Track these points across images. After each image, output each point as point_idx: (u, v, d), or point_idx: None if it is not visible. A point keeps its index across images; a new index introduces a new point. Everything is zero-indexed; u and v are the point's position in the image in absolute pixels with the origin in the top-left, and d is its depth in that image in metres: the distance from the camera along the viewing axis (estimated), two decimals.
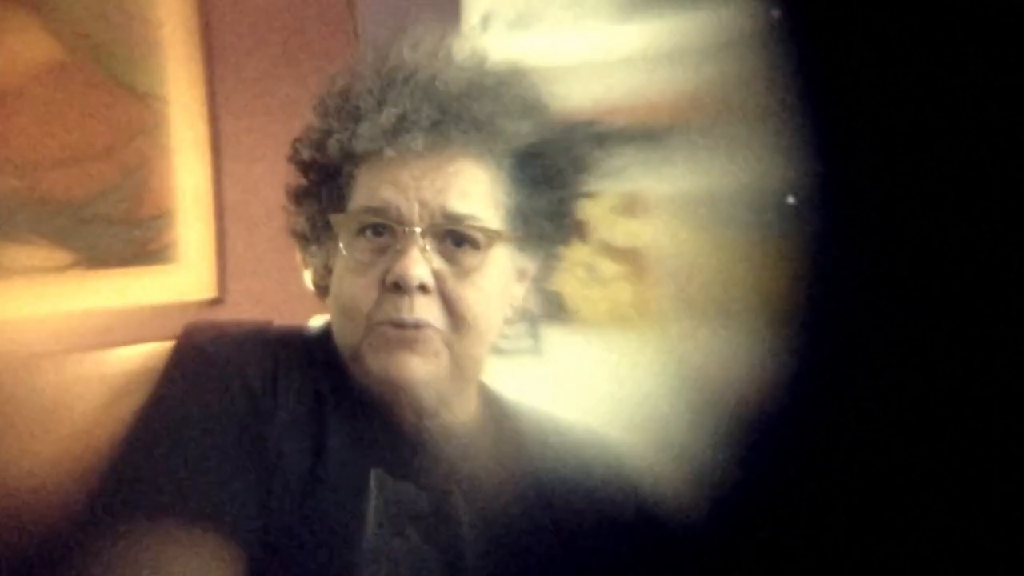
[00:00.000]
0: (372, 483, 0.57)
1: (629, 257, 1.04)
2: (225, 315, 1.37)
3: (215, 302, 1.38)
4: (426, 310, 0.59)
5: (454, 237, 0.60)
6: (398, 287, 0.58)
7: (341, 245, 0.61)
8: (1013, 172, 0.47)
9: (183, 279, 1.37)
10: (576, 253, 1.14)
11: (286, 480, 0.56)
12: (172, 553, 0.51)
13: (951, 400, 0.48)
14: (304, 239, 0.69)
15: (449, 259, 0.60)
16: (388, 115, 0.59)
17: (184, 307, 1.32)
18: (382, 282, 0.59)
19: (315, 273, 0.70)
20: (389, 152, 0.59)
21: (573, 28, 1.11)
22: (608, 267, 1.04)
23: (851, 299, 0.53)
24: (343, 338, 0.62)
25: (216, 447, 0.55)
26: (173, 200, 1.37)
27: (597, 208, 1.11)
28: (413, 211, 0.59)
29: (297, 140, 0.66)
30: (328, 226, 0.64)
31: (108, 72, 1.29)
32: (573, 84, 1.07)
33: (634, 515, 0.64)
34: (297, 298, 0.76)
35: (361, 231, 0.61)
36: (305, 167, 0.66)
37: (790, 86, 0.63)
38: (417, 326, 0.58)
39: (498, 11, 1.19)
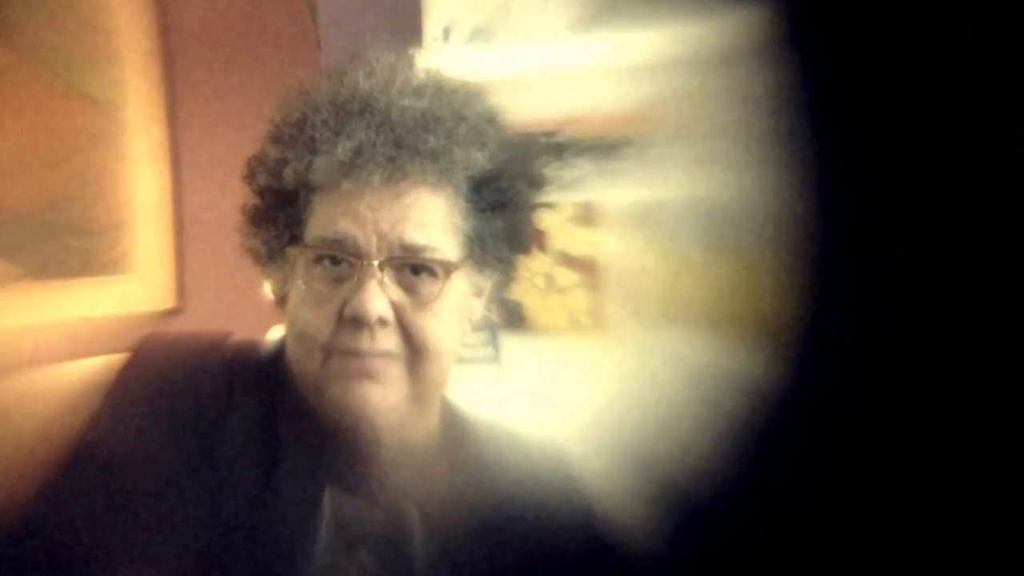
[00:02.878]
0: (325, 500, 0.57)
1: (586, 266, 1.05)
2: (184, 325, 1.35)
3: (174, 312, 1.36)
4: (386, 341, 0.59)
5: (412, 267, 0.60)
6: (356, 321, 0.58)
7: (298, 276, 0.61)
8: (994, 186, 0.48)
9: (140, 289, 1.35)
10: (535, 263, 1.15)
11: (238, 496, 0.55)
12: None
13: (918, 428, 0.49)
14: (262, 257, 0.68)
15: (407, 288, 0.60)
16: (344, 148, 0.59)
17: (142, 317, 1.30)
18: (339, 314, 0.58)
19: (274, 284, 0.69)
20: (346, 185, 0.59)
21: (533, 40, 1.13)
22: (566, 276, 1.05)
23: (809, 309, 0.54)
24: (300, 364, 0.61)
25: (163, 464, 0.54)
26: (129, 209, 1.35)
27: (555, 218, 1.13)
28: (371, 243, 0.59)
29: (252, 161, 0.65)
30: (284, 250, 0.63)
31: (63, 80, 1.27)
32: (533, 95, 1.08)
33: (589, 538, 0.64)
34: (257, 308, 0.76)
35: (318, 260, 0.60)
36: (261, 191, 0.65)
37: (747, 100, 0.65)
38: (377, 355, 0.58)
39: (459, 23, 1.20)
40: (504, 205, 0.64)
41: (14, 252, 1.17)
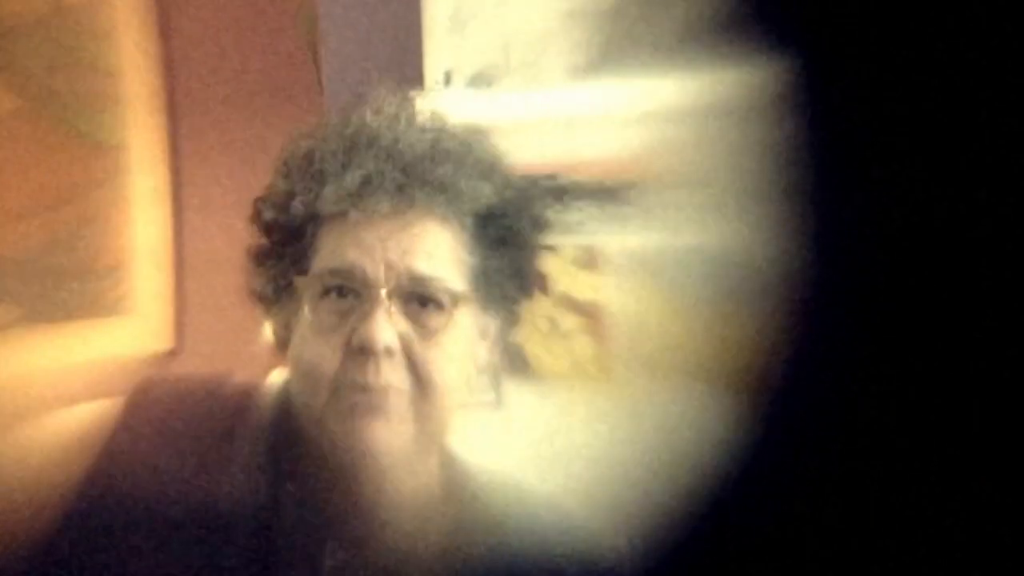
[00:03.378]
0: (325, 556, 0.57)
1: (590, 310, 1.05)
2: (182, 367, 1.34)
3: (172, 353, 1.36)
4: (392, 374, 0.58)
5: (419, 299, 0.60)
6: (364, 351, 0.58)
7: (305, 307, 0.61)
8: (999, 243, 0.49)
9: (139, 331, 1.34)
10: (538, 306, 1.15)
11: (237, 543, 0.55)
12: None
13: (919, 471, 0.49)
14: (265, 299, 0.68)
15: (414, 321, 0.60)
16: (353, 177, 0.60)
17: (140, 360, 1.29)
18: (347, 345, 0.59)
19: (275, 327, 0.69)
20: (354, 214, 0.60)
21: (534, 85, 1.14)
22: (569, 320, 1.05)
23: (812, 364, 0.54)
24: (304, 401, 0.61)
25: (165, 507, 0.54)
26: (130, 251, 1.35)
27: (558, 261, 1.12)
28: (379, 273, 0.59)
29: (259, 200, 0.66)
30: (290, 287, 0.63)
31: (66, 123, 1.28)
32: (534, 140, 1.09)
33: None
34: (256, 350, 0.75)
35: (325, 293, 0.61)
36: (267, 227, 0.66)
37: (750, 151, 0.66)
38: (383, 390, 0.58)
39: (460, 67, 1.21)
40: (508, 242, 0.65)
41: (12, 295, 1.17)
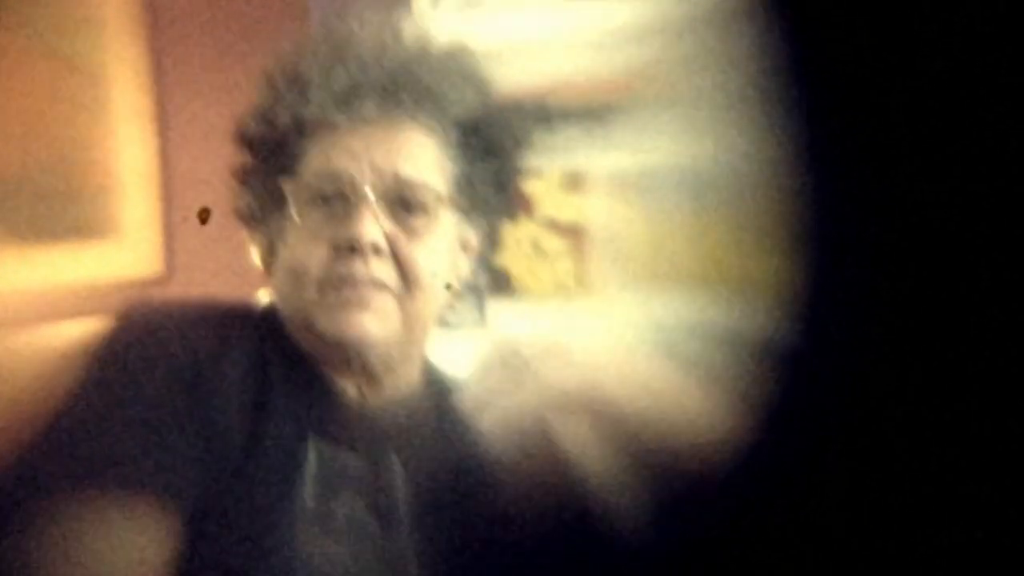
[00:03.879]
0: (310, 450, 0.58)
1: (573, 232, 1.06)
2: (171, 292, 1.35)
3: (161, 279, 1.36)
4: (379, 270, 0.60)
5: (404, 203, 0.62)
6: (352, 249, 0.59)
7: (293, 213, 0.62)
8: (986, 142, 0.48)
9: (126, 255, 1.34)
10: (523, 229, 1.16)
11: (227, 446, 0.56)
12: (107, 521, 0.51)
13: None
14: (251, 217, 0.69)
15: (399, 223, 0.62)
16: (339, 82, 0.61)
17: (128, 284, 1.30)
18: (334, 244, 0.60)
19: (262, 250, 0.70)
20: (341, 120, 0.61)
21: (521, 7, 1.12)
22: (553, 242, 1.06)
23: (796, 268, 0.54)
24: (292, 304, 0.62)
25: (157, 414, 0.55)
26: (115, 174, 1.34)
27: (543, 185, 1.13)
28: (365, 176, 0.60)
29: (243, 117, 0.66)
30: (276, 202, 0.64)
31: (48, 46, 1.26)
32: (521, 63, 1.08)
33: (567, 489, 0.65)
34: (244, 275, 0.76)
35: (313, 200, 0.62)
36: (252, 143, 0.66)
37: (734, 65, 0.65)
38: (372, 285, 0.60)
39: None
40: (492, 154, 0.66)
41: None
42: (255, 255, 0.72)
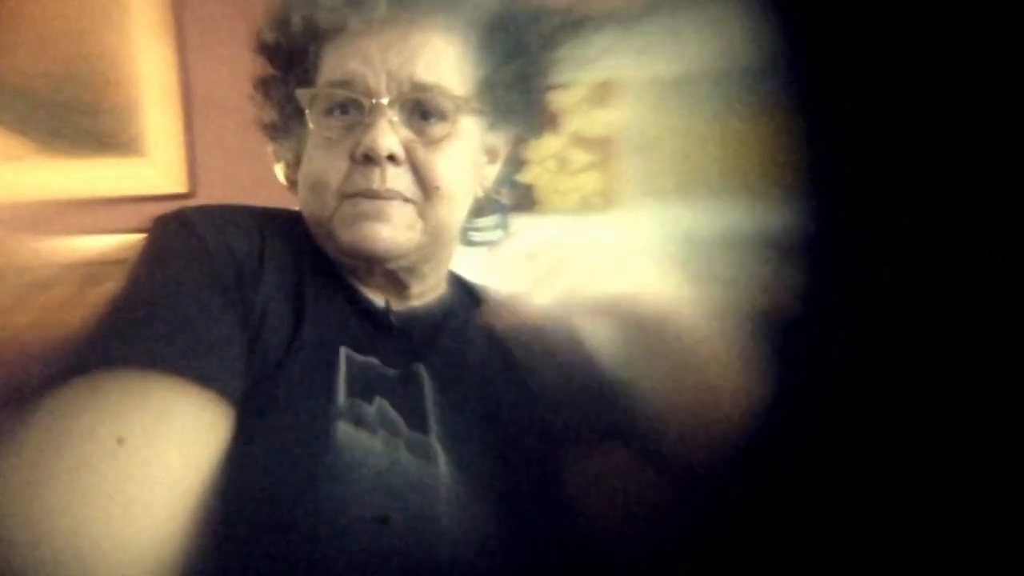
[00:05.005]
0: (341, 358, 0.59)
1: (599, 146, 1.03)
2: None
3: (186, 196, 1.36)
4: (397, 180, 0.59)
5: (422, 109, 0.60)
6: (368, 158, 0.58)
7: (310, 123, 0.61)
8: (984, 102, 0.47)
9: (152, 171, 1.35)
10: (548, 145, 1.13)
11: (266, 347, 0.56)
12: (169, 402, 0.50)
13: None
14: (274, 130, 0.68)
15: (418, 131, 0.60)
16: None
17: (154, 200, 1.30)
18: (352, 155, 0.59)
19: (287, 166, 0.69)
20: (353, 23, 0.59)
21: None
22: (579, 157, 1.04)
23: (830, 187, 0.53)
24: (313, 215, 0.62)
25: (206, 308, 0.55)
26: (137, 89, 1.33)
27: (569, 99, 1.10)
28: (380, 82, 0.58)
29: (262, 23, 0.64)
30: (298, 113, 0.63)
31: None
32: None
33: (596, 394, 0.64)
34: (270, 192, 0.76)
35: (329, 110, 0.60)
36: (270, 52, 0.65)
37: None
38: (389, 196, 0.59)
39: None
40: (517, 56, 0.64)
41: (26, 127, 1.17)
42: (279, 170, 0.72)
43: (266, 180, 0.78)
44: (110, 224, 0.94)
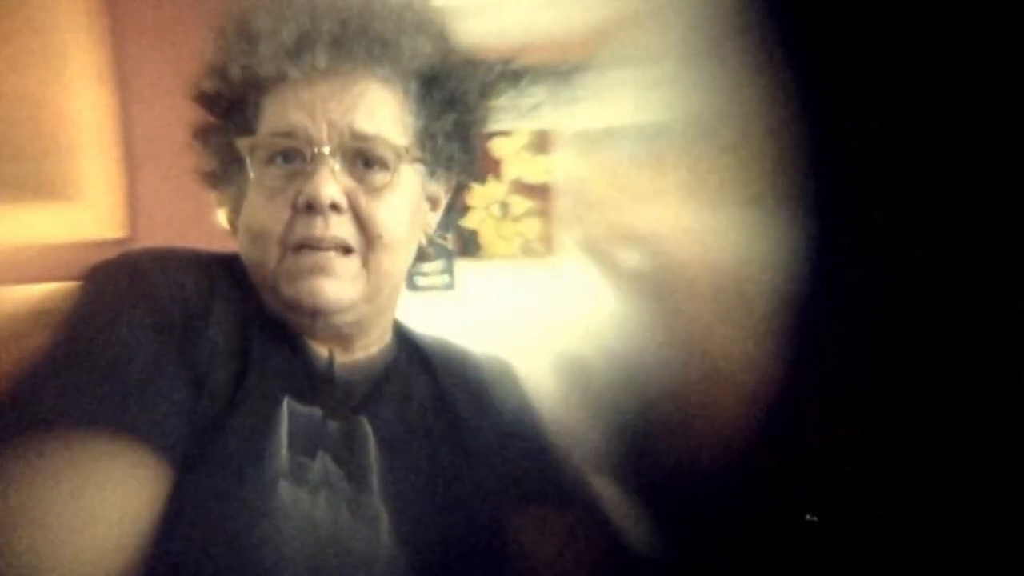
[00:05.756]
0: (284, 410, 0.58)
1: (540, 193, 1.06)
2: None
3: (125, 241, 1.34)
4: (340, 228, 0.59)
5: (363, 158, 0.60)
6: (310, 208, 0.58)
7: (251, 172, 0.61)
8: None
9: (89, 216, 1.32)
10: (491, 191, 1.16)
11: (211, 396, 0.56)
12: (95, 460, 0.49)
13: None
14: (214, 178, 0.67)
15: (359, 179, 0.60)
16: (289, 33, 0.59)
17: (91, 246, 1.27)
18: (294, 205, 0.59)
19: (229, 211, 0.69)
20: (293, 73, 0.59)
21: None
22: (520, 203, 1.06)
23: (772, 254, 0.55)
24: (255, 264, 0.61)
25: (146, 356, 0.54)
26: (72, 133, 1.31)
27: (511, 146, 1.13)
28: (321, 132, 0.59)
29: (201, 72, 0.64)
30: (238, 160, 0.63)
31: (2, 3, 1.21)
32: (488, 21, 1.06)
33: (537, 449, 0.66)
34: (212, 236, 0.75)
35: (271, 159, 0.61)
36: (209, 101, 0.65)
37: (701, 23, 0.65)
38: (333, 247, 0.59)
39: None
40: (455, 106, 0.65)
41: None
42: (221, 215, 0.71)
43: (208, 224, 0.77)
44: (45, 272, 0.92)
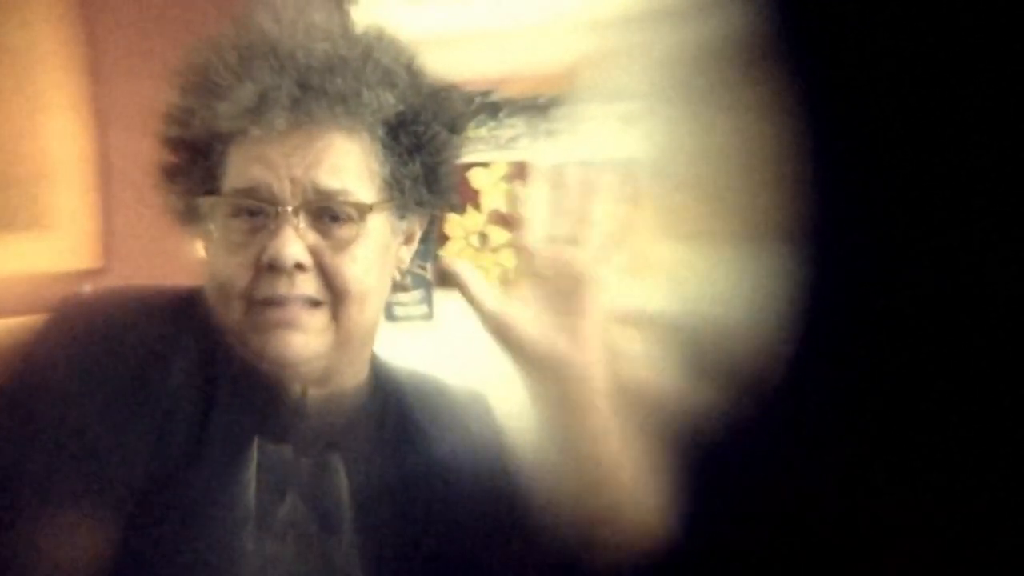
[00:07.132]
0: (253, 450, 0.58)
1: (518, 223, 1.06)
2: (111, 285, 1.32)
3: (99, 271, 1.32)
4: (305, 285, 0.58)
5: (328, 214, 0.60)
6: (273, 268, 0.57)
7: (213, 229, 0.60)
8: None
9: (62, 247, 1.30)
10: (470, 222, 1.17)
11: (172, 443, 0.55)
12: (37, 535, 0.50)
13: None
14: (181, 216, 0.67)
15: (324, 234, 0.59)
16: (247, 92, 0.58)
17: (66, 277, 1.26)
18: (257, 262, 0.58)
19: (204, 243, 0.69)
20: (254, 131, 0.58)
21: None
22: (499, 234, 1.07)
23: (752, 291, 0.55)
24: (223, 315, 0.61)
25: (105, 405, 0.54)
26: (49, 164, 1.29)
27: (490, 177, 1.14)
28: (284, 189, 0.58)
29: (165, 117, 0.63)
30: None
31: None
32: (467, 53, 1.08)
33: (512, 489, 0.65)
34: (188, 266, 0.75)
35: (235, 213, 0.60)
36: (174, 145, 0.64)
37: (676, 59, 0.66)
38: (298, 302, 0.58)
39: None
40: (421, 148, 0.64)
41: None
42: (199, 247, 0.71)
43: (183, 255, 0.77)
44: (17, 304, 0.91)
